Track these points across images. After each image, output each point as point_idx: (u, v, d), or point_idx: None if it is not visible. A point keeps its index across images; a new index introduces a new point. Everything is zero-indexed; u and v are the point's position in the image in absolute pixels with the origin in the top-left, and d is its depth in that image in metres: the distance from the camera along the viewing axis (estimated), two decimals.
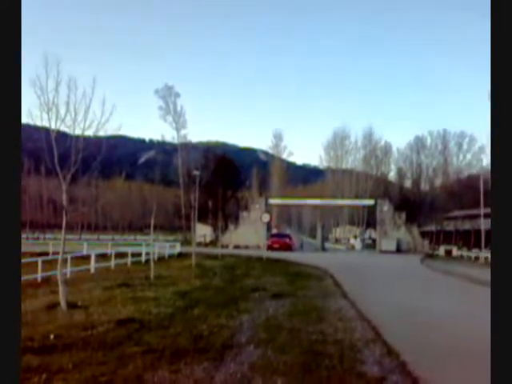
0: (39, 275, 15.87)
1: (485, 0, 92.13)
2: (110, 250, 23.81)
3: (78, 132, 10.46)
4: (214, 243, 43.74)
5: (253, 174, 77.19)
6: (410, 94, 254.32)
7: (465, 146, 65.96)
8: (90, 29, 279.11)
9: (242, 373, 5.39)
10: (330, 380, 5.24)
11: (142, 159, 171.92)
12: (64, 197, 10.07)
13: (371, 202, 48.93)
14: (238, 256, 29.21)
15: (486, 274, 15.27)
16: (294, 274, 18.35)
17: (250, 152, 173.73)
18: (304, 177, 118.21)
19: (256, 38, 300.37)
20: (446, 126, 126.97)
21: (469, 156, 65.93)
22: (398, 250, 42.21)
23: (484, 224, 36.65)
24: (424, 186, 67.25)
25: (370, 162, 68.92)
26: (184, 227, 53.32)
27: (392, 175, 72.19)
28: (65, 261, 14.87)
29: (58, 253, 12.09)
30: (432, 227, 55.56)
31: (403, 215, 45.46)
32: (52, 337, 6.89)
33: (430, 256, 39.50)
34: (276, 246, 38.56)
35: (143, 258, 24.19)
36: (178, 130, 58.20)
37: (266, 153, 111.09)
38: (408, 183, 70.29)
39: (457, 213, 56.14)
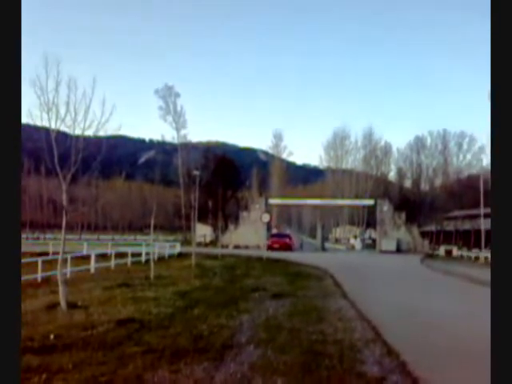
0: (39, 275, 15.88)
1: (485, 0, 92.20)
2: (109, 250, 23.82)
3: (78, 132, 10.49)
4: (213, 243, 43.73)
5: (253, 174, 77.13)
6: (410, 94, 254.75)
7: (465, 146, 66.06)
8: (90, 29, 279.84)
9: (242, 373, 5.39)
10: (329, 380, 5.24)
11: (142, 159, 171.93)
12: (64, 197, 10.08)
13: (371, 202, 48.92)
14: (238, 256, 29.20)
15: (485, 274, 15.27)
16: (294, 274, 18.34)
17: (249, 152, 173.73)
18: (304, 177, 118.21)
19: (256, 38, 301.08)
20: (445, 126, 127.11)
21: (469, 156, 66.03)
22: (398, 250, 42.20)
23: (484, 224, 36.67)
24: (424, 186, 67.19)
25: (369, 162, 68.89)
26: (184, 227, 53.32)
27: (392, 175, 72.34)
28: (65, 261, 14.87)
29: (57, 253, 12.09)
30: (432, 227, 55.55)
31: (403, 215, 45.44)
32: (52, 337, 6.88)
33: (430, 256, 39.48)
34: (276, 245, 38.54)
35: (143, 258, 24.19)
36: (177, 130, 58.28)
37: (266, 153, 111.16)
38: (408, 183, 70.28)
39: (457, 213, 56.14)
